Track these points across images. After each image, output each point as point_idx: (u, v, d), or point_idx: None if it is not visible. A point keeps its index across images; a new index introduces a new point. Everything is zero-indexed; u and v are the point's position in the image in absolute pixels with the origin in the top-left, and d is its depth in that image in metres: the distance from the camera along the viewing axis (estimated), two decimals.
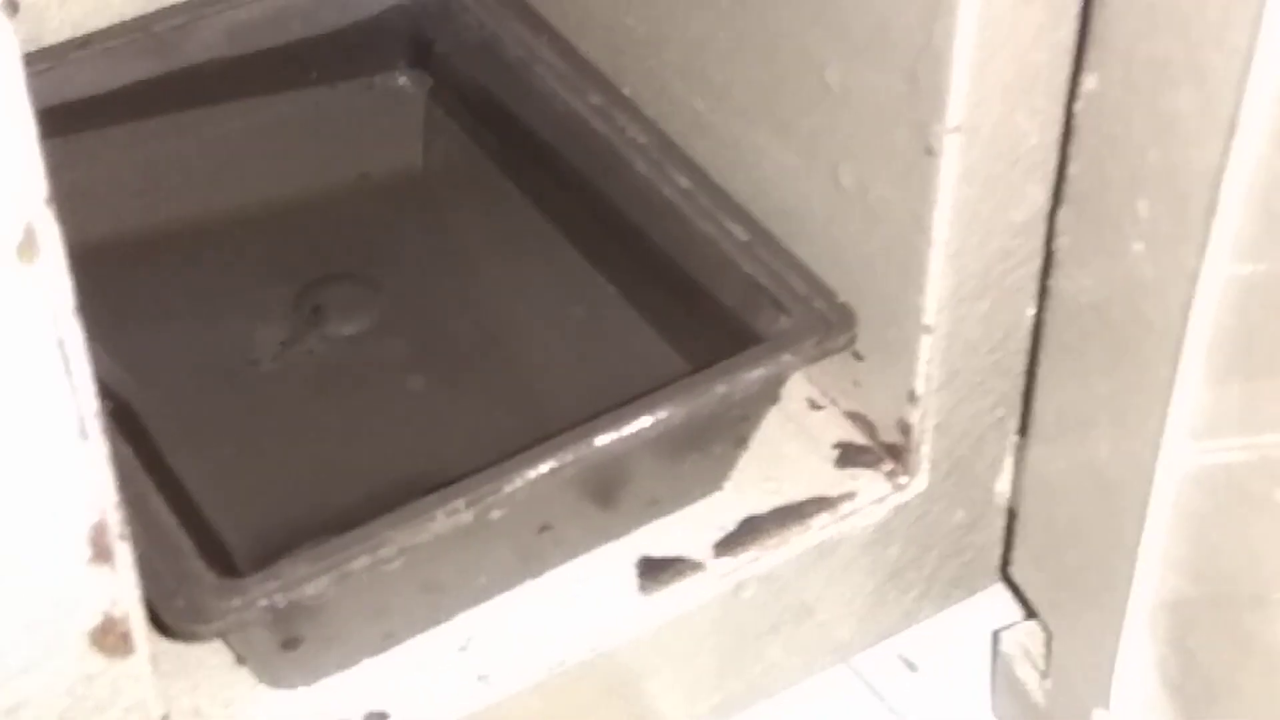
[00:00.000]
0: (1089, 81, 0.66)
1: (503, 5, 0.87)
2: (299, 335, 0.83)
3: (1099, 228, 0.68)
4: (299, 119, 0.89)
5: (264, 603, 0.64)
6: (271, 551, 0.66)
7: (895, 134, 0.69)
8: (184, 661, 0.70)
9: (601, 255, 0.83)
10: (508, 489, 0.67)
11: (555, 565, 0.74)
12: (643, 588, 0.74)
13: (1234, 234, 0.63)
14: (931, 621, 0.84)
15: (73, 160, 0.52)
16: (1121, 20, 0.64)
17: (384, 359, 0.82)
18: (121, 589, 0.57)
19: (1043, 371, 0.74)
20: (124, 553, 0.56)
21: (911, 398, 0.75)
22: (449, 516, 0.66)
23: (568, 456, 0.68)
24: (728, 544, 0.75)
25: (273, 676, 0.70)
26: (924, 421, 0.75)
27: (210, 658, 0.70)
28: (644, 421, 0.69)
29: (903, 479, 0.77)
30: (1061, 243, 0.71)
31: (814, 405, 0.80)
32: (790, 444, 0.78)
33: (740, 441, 0.76)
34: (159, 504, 0.66)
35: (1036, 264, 0.73)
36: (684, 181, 0.79)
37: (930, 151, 0.68)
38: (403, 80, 0.91)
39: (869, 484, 0.77)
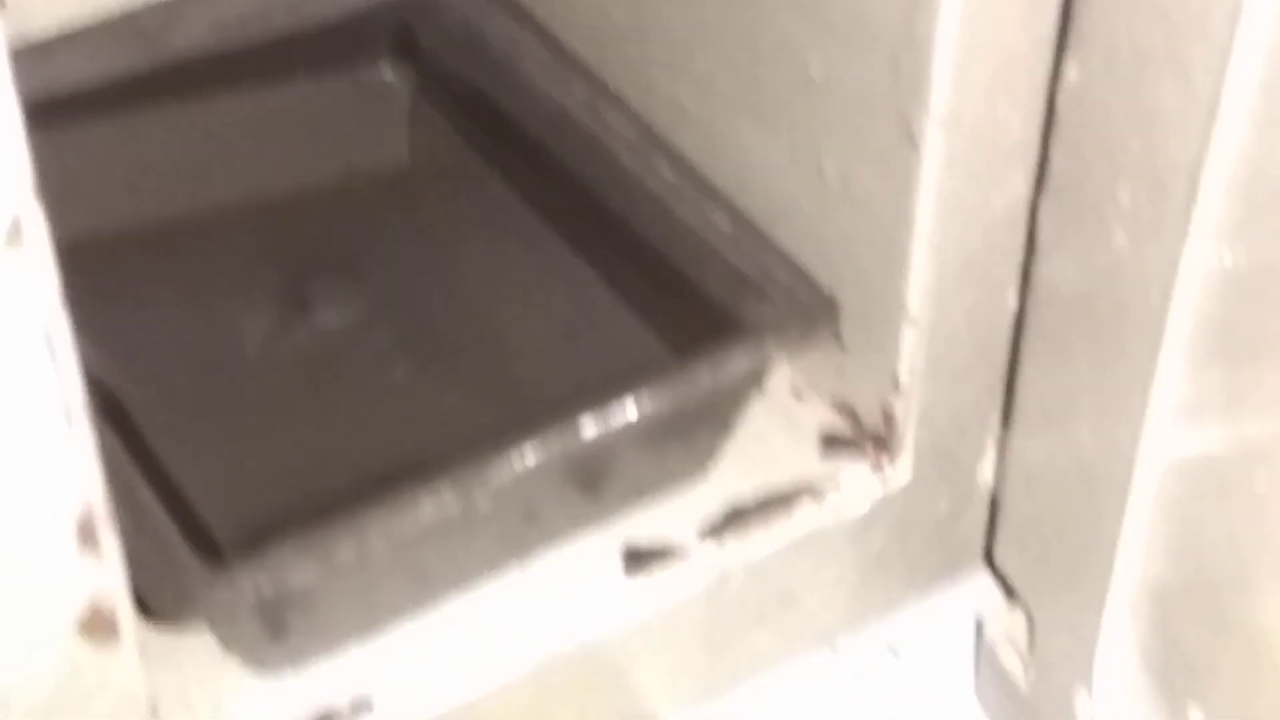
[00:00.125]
0: (1070, 72, 0.66)
1: None
2: (285, 326, 0.83)
3: (1081, 217, 0.69)
4: (285, 112, 0.89)
5: (251, 590, 0.64)
6: (258, 539, 0.66)
7: (878, 124, 0.69)
8: (171, 650, 0.70)
9: (586, 246, 0.83)
10: (494, 477, 0.68)
11: (541, 553, 0.74)
12: (628, 575, 0.74)
13: (1215, 223, 0.63)
14: (915, 608, 0.84)
15: (59, 153, 0.52)
16: (1102, 10, 0.64)
17: (370, 349, 0.82)
18: (108, 577, 0.57)
19: (1025, 360, 0.75)
20: (110, 541, 0.56)
21: (895, 386, 0.75)
22: (435, 505, 0.67)
23: (553, 445, 0.69)
24: (713, 532, 0.75)
25: (259, 663, 0.70)
26: (908, 410, 0.76)
27: (197, 646, 0.70)
28: (629, 410, 0.70)
29: (887, 467, 0.77)
30: (1044, 232, 0.71)
31: (798, 394, 0.80)
32: (775, 433, 0.79)
33: (725, 430, 0.76)
34: (145, 493, 0.66)
35: (1019, 254, 0.73)
36: (668, 173, 0.79)
37: (913, 142, 0.68)
38: (388, 74, 0.91)
39: (853, 472, 0.77)
